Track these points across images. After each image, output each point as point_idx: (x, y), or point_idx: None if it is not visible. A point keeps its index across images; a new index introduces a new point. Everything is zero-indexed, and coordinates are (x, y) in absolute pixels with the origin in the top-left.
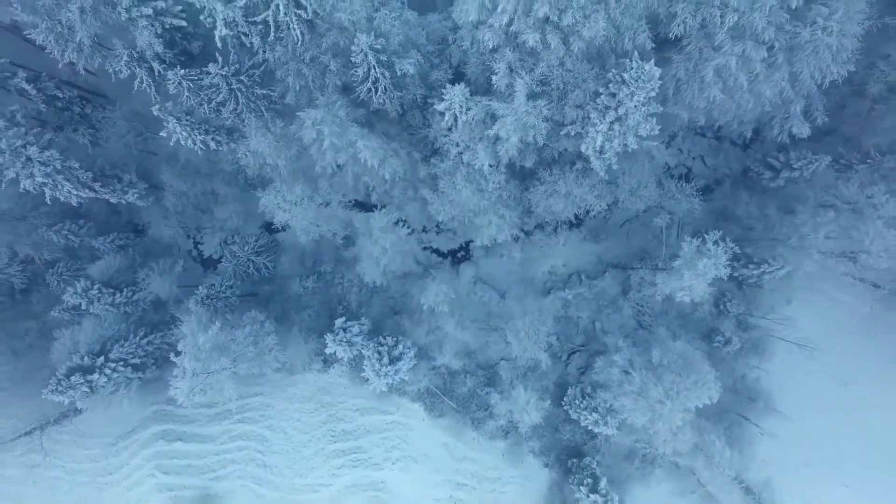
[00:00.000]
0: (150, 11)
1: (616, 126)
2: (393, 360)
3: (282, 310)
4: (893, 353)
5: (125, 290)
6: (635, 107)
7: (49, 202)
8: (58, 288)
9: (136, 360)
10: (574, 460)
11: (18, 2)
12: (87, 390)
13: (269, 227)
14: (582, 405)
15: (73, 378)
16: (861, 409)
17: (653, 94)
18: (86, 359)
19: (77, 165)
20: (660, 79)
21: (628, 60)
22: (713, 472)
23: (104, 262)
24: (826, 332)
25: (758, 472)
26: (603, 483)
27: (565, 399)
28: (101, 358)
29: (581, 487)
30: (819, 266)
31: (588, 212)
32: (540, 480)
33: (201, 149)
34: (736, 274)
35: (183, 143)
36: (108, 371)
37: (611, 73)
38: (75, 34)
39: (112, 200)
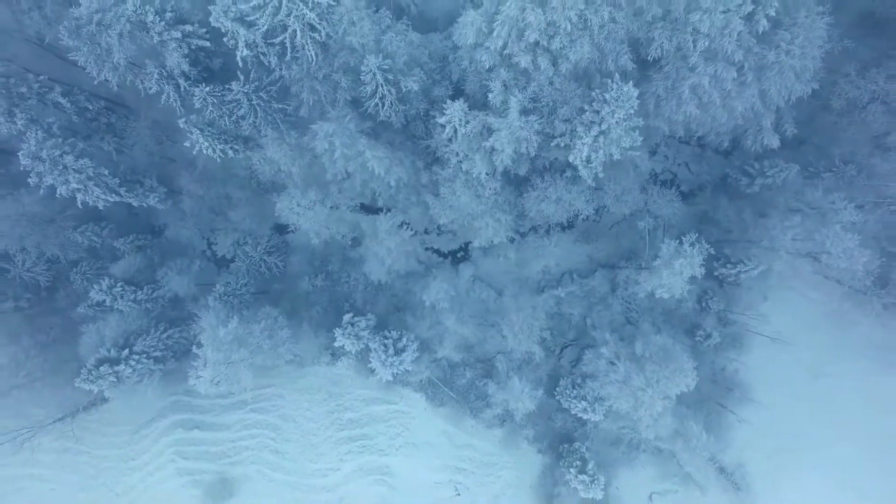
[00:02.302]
0: (179, 34)
1: (601, 139)
2: (398, 352)
3: (292, 306)
4: (860, 347)
5: (145, 287)
6: (617, 122)
7: (80, 206)
8: (81, 286)
9: (158, 353)
10: (565, 446)
11: (65, 29)
12: (115, 380)
13: (279, 229)
14: (572, 394)
15: (101, 368)
16: (830, 398)
17: (632, 111)
18: (112, 351)
19: (106, 172)
20: (641, 95)
21: (610, 81)
22: (691, 454)
23: (125, 261)
24: (799, 327)
25: (733, 456)
26: (591, 465)
27: (557, 389)
28: (126, 350)
29: (571, 469)
30: (788, 266)
31: (577, 215)
32: (534, 465)
33: (220, 157)
34: (716, 273)
35: (204, 151)
36: (132, 363)
37: (594, 93)
38: (112, 56)
39: (134, 204)
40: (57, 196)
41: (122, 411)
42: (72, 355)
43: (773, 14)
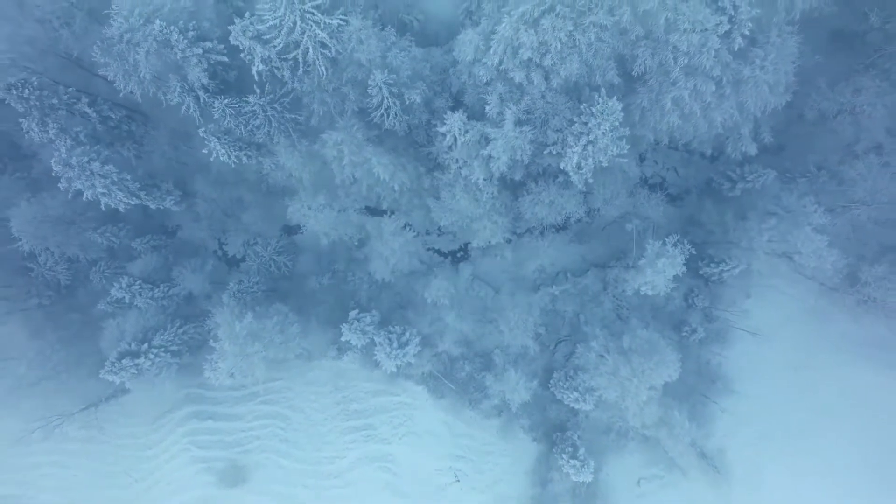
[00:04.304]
0: (200, 51)
1: (589, 148)
2: (401, 346)
3: (299, 304)
4: (836, 341)
5: (162, 285)
6: (603, 133)
7: (103, 208)
8: (99, 284)
9: (174, 347)
10: (558, 434)
11: (98, 47)
12: (135, 372)
13: (287, 230)
14: (565, 385)
15: (124, 361)
16: (808, 390)
17: (617, 122)
18: (132, 345)
19: (128, 177)
20: (627, 107)
21: (597, 95)
22: (675, 441)
23: (142, 260)
24: (780, 323)
25: (715, 443)
26: (581, 451)
27: (551, 381)
28: (146, 345)
29: (563, 455)
30: (766, 265)
31: (569, 217)
32: (529, 453)
33: (235, 163)
34: (701, 272)
35: (221, 158)
36: (151, 356)
37: (583, 106)
38: (139, 70)
39: (152, 206)
40: (83, 199)
41: (141, 403)
42: (92, 350)
43: (748, 33)
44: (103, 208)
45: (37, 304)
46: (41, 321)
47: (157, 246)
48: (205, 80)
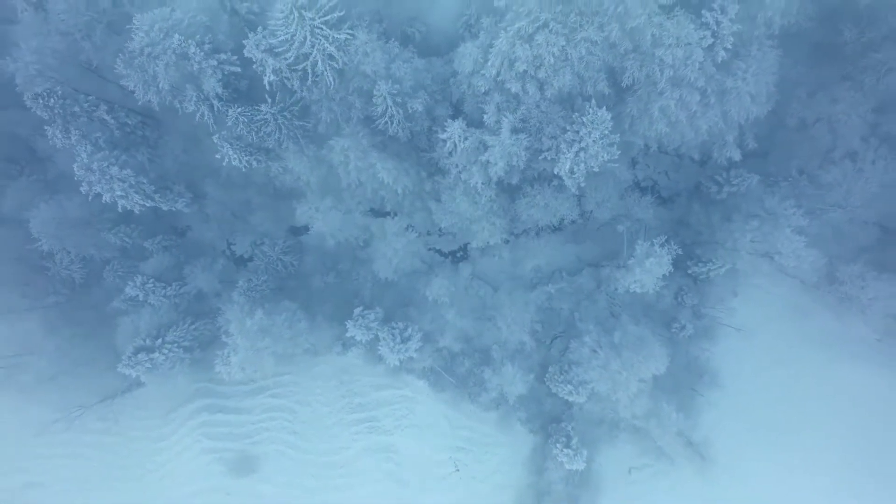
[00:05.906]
0: (215, 62)
1: (581, 154)
2: (404, 340)
3: (306, 301)
4: (817, 338)
5: (174, 284)
6: (594, 141)
7: (120, 210)
8: (112, 282)
9: (186, 343)
10: (553, 426)
11: (121, 60)
12: (150, 366)
13: (294, 231)
14: (559, 379)
15: (139, 356)
16: (792, 385)
17: (607, 131)
18: (147, 340)
19: (144, 181)
20: (617, 115)
21: (587, 105)
22: (663, 430)
23: (154, 260)
24: (765, 320)
25: (702, 434)
26: (575, 441)
27: (547, 376)
28: (160, 340)
29: (557, 445)
30: (749, 264)
31: (563, 219)
32: (526, 444)
33: (245, 167)
34: (690, 271)
35: (233, 163)
36: (165, 351)
37: (574, 115)
38: (158, 81)
39: (164, 208)
40: (103, 202)
41: (154, 397)
42: (107, 345)
43: (730, 47)
44: (120, 210)
45: (54, 301)
46: (58, 318)
47: (168, 246)
48: (219, 90)
